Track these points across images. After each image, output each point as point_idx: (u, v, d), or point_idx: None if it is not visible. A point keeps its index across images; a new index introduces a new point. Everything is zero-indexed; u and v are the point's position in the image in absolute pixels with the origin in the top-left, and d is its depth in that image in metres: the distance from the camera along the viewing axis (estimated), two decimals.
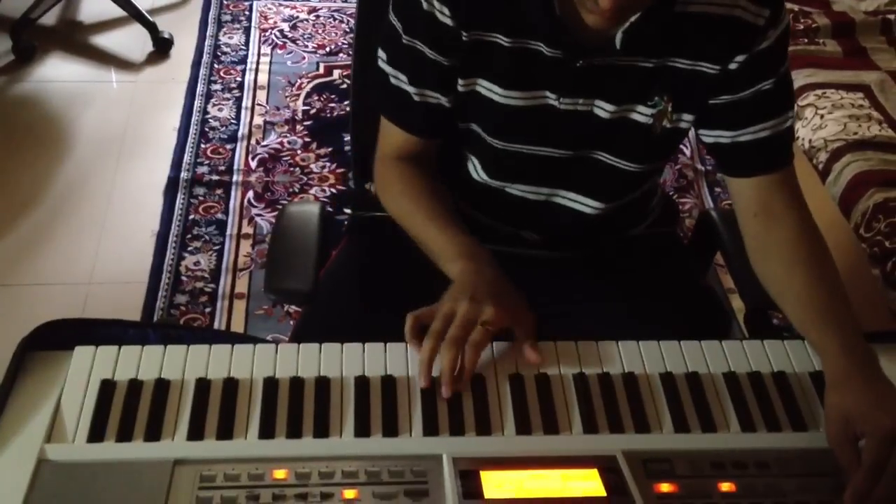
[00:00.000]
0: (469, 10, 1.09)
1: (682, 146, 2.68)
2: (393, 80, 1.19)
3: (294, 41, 3.30)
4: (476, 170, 1.27)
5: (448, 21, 1.10)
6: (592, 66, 1.11)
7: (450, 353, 0.99)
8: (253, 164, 2.75)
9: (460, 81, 1.16)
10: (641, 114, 1.15)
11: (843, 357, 1.02)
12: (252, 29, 3.35)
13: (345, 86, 3.05)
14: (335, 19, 3.43)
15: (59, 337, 1.04)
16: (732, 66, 1.11)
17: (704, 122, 1.19)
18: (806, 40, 2.60)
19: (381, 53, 1.20)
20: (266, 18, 3.41)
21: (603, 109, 1.14)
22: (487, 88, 1.15)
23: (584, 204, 1.26)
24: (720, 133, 1.18)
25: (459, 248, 1.13)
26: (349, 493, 0.88)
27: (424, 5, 1.10)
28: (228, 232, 2.52)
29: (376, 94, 1.23)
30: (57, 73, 3.06)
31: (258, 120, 2.92)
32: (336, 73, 3.14)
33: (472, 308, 1.02)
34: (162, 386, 0.99)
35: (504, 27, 1.10)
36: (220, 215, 2.57)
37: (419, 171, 1.23)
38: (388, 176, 1.25)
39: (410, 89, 1.17)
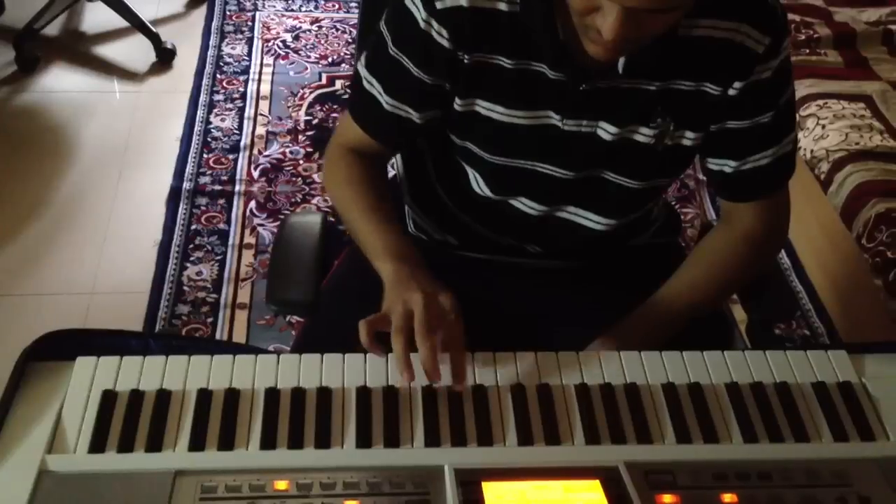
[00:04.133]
0: (471, 34, 1.09)
1: None
2: (366, 85, 1.19)
3: (296, 52, 3.31)
4: (477, 183, 1.27)
5: (445, 43, 1.10)
6: (596, 89, 1.11)
7: (427, 342, 0.98)
8: (255, 174, 2.75)
9: (458, 101, 1.16)
10: (644, 134, 1.15)
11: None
12: (255, 39, 3.36)
13: (347, 96, 3.06)
14: (337, 30, 3.44)
15: (60, 347, 1.04)
16: (731, 91, 1.12)
17: (710, 151, 1.19)
18: (807, 51, 2.60)
19: (362, 57, 1.20)
20: (269, 29, 3.42)
21: (606, 131, 1.14)
22: (488, 108, 1.15)
23: (590, 220, 1.26)
24: (725, 162, 1.19)
25: (391, 249, 1.13)
26: None
27: (421, 24, 1.09)
28: (230, 242, 2.52)
29: (348, 92, 1.24)
30: (60, 83, 3.07)
31: (260, 130, 2.93)
32: (338, 83, 3.15)
33: (427, 297, 1.02)
34: (163, 396, 0.99)
35: (506, 50, 1.10)
36: (222, 225, 2.57)
37: (369, 164, 1.25)
38: (337, 162, 1.27)
39: (383, 98, 1.18)
